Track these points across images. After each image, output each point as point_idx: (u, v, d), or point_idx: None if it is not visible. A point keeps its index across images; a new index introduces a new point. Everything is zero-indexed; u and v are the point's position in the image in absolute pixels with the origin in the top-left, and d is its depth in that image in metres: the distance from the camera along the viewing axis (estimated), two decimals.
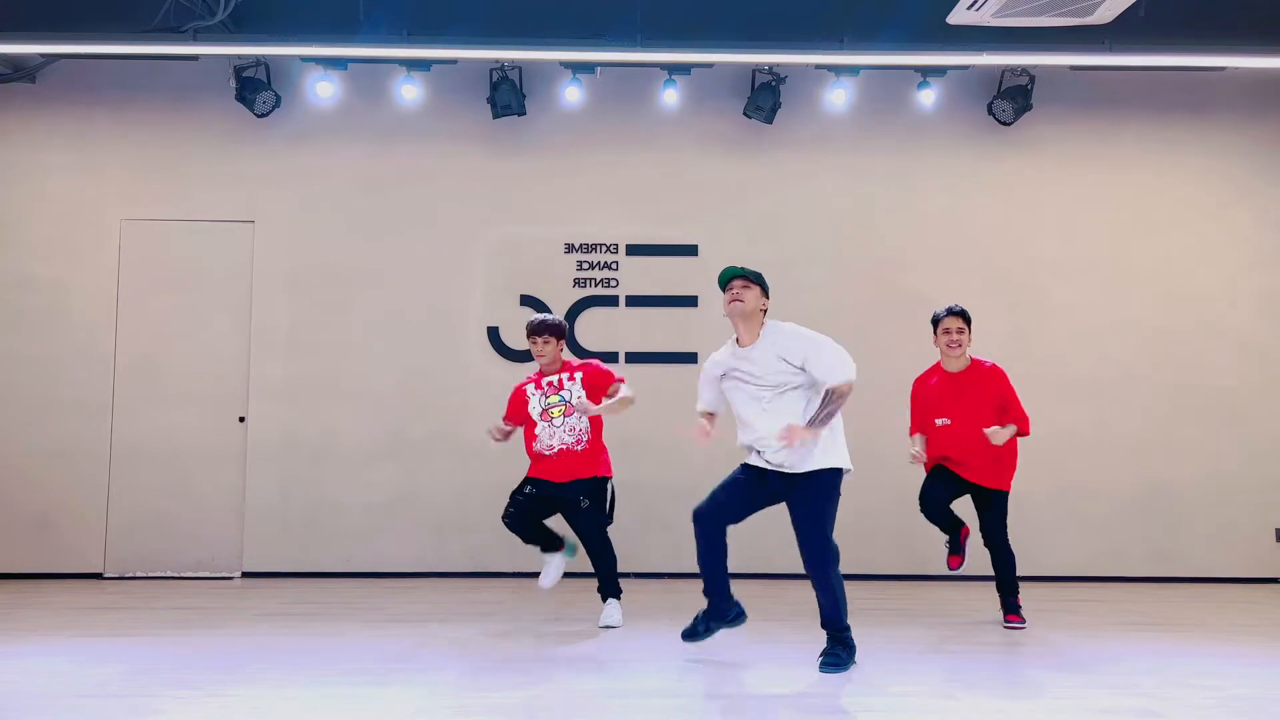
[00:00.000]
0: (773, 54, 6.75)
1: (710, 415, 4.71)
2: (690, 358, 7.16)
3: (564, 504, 5.40)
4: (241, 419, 7.07)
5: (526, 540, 5.45)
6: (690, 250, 7.25)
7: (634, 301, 7.23)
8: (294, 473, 6.97)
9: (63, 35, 6.46)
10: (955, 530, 5.58)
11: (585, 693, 4.04)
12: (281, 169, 7.22)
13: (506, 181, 7.26)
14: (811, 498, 4.38)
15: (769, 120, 7.06)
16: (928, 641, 5.06)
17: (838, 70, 7.01)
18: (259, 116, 7.02)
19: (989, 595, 6.55)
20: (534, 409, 5.40)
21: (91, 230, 7.12)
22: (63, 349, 7.04)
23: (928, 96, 7.15)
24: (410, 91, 7.06)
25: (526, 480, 5.43)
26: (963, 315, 5.46)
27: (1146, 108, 7.35)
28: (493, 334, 7.15)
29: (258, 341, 7.10)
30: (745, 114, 7.08)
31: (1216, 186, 7.33)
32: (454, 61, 7.07)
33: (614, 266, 7.23)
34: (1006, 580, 5.49)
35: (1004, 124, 7.16)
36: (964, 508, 5.62)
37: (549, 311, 7.07)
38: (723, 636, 5.15)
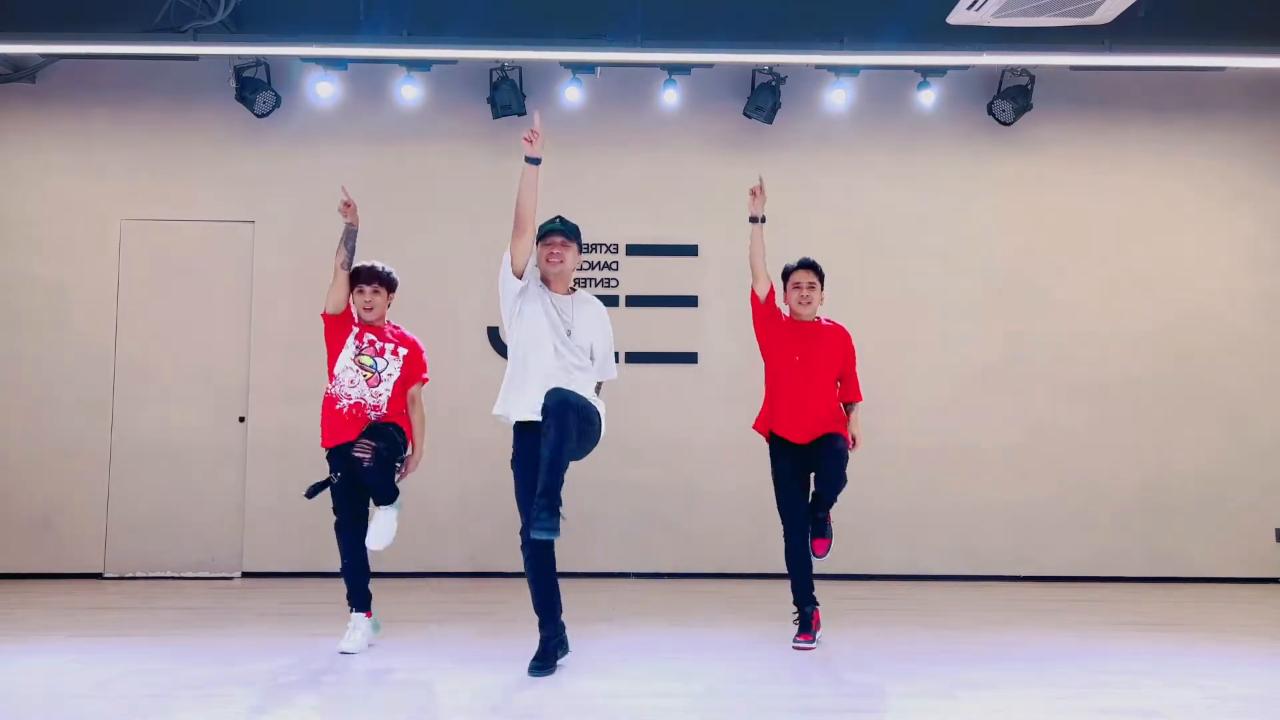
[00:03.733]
0: (773, 54, 6.74)
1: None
2: (690, 358, 7.17)
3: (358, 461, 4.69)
4: (241, 419, 7.07)
5: (347, 563, 4.80)
6: (690, 250, 7.26)
7: (634, 301, 7.23)
8: (294, 473, 6.94)
9: (63, 35, 6.46)
10: (809, 605, 4.98)
11: (586, 693, 4.04)
12: (281, 169, 7.22)
13: (506, 181, 7.19)
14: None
15: (769, 120, 7.06)
16: (928, 641, 5.06)
17: (838, 70, 7.01)
18: (259, 116, 7.02)
19: (989, 595, 6.55)
20: (348, 353, 4.86)
21: (91, 230, 7.12)
22: (63, 349, 7.04)
23: (928, 96, 7.15)
24: (410, 91, 7.06)
25: (329, 458, 4.82)
26: (814, 269, 5.02)
27: (1146, 108, 7.35)
28: (493, 334, 7.15)
29: (258, 341, 7.10)
30: (745, 114, 7.08)
31: (1216, 186, 7.33)
32: (454, 61, 7.07)
33: (614, 266, 7.24)
34: (830, 497, 4.90)
35: (1004, 124, 7.16)
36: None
37: None
38: (723, 636, 5.16)
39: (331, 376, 4.87)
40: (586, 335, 4.47)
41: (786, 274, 5.10)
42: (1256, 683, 4.30)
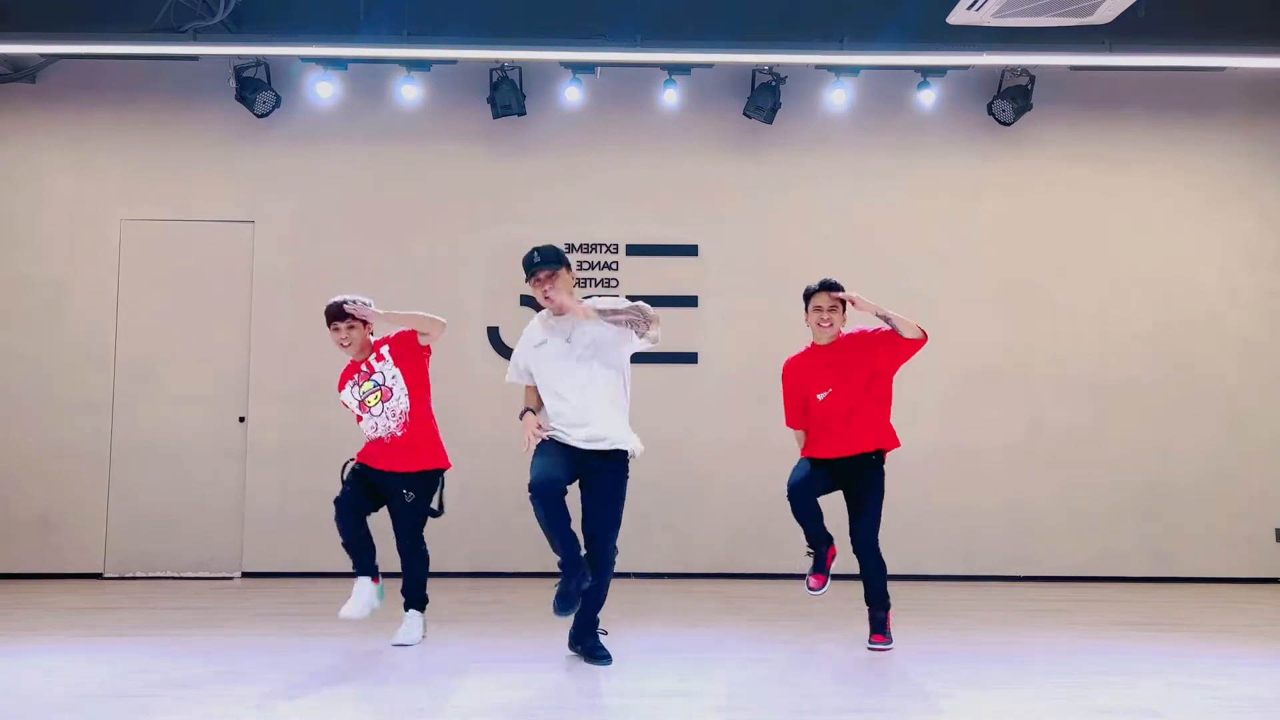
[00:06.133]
0: (773, 54, 6.74)
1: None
2: (690, 358, 7.17)
3: (388, 494, 4.89)
4: (241, 419, 7.07)
5: (346, 542, 4.84)
6: (690, 250, 7.26)
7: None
8: (294, 473, 6.96)
9: (63, 35, 6.47)
10: (823, 544, 4.87)
11: (586, 692, 4.04)
12: (281, 169, 7.22)
13: (506, 181, 7.27)
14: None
15: (769, 120, 7.06)
16: (927, 641, 5.05)
17: (838, 70, 7.01)
18: (259, 116, 7.02)
19: (990, 595, 6.55)
20: (351, 403, 4.96)
21: (91, 230, 7.12)
22: (63, 349, 7.04)
23: (928, 96, 7.15)
24: (410, 91, 7.06)
25: (354, 463, 4.95)
26: (835, 290, 4.87)
27: (1146, 108, 7.35)
28: (493, 334, 7.15)
29: (258, 341, 7.11)
30: (745, 114, 7.08)
31: (1217, 186, 7.33)
32: (454, 61, 7.07)
33: (614, 266, 7.24)
34: (879, 592, 4.83)
35: (1004, 124, 7.16)
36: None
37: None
38: (723, 636, 5.16)
39: (358, 420, 4.98)
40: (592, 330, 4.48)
41: (808, 296, 4.96)
42: (1257, 683, 4.30)
